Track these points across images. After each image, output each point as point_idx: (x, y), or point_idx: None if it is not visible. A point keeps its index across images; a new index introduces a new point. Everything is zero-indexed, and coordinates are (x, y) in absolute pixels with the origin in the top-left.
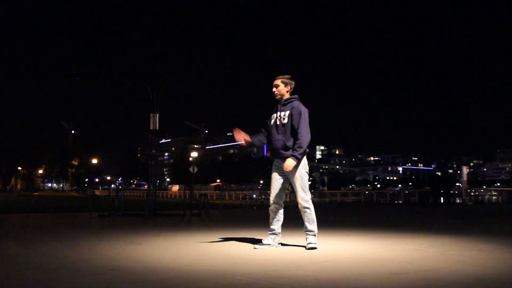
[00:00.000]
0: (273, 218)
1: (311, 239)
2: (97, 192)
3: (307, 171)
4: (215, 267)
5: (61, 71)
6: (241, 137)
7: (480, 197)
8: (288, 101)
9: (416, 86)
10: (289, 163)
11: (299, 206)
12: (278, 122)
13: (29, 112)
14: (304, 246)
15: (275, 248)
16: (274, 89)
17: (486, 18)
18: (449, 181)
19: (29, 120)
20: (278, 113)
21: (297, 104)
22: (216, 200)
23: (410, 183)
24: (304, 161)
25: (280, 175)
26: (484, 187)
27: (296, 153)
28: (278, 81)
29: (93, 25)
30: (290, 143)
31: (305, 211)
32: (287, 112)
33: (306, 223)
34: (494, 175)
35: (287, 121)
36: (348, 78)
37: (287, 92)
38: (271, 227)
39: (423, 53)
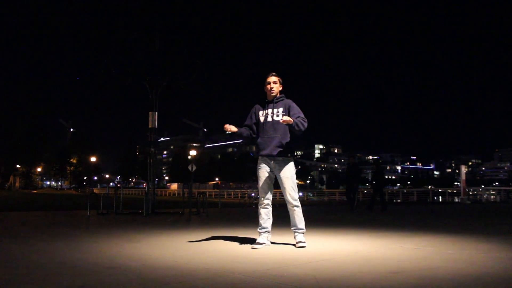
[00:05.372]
0: (266, 217)
1: (300, 237)
2: (95, 190)
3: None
4: (214, 265)
5: (61, 69)
6: (229, 128)
7: (478, 197)
8: (280, 99)
9: (415, 85)
10: (287, 118)
11: (289, 205)
12: (270, 119)
13: (28, 110)
14: (294, 245)
15: (273, 247)
16: (273, 85)
17: (485, 18)
18: (375, 175)
19: (28, 118)
20: (270, 110)
21: (289, 100)
22: (215, 198)
23: (408, 182)
24: (292, 163)
25: (268, 174)
26: (483, 186)
27: (297, 119)
28: (276, 78)
29: (92, 24)
30: (284, 140)
31: (295, 210)
32: (281, 109)
33: (296, 222)
34: (492, 175)
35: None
36: (347, 76)
37: (279, 91)
38: (264, 225)
39: (422, 52)
